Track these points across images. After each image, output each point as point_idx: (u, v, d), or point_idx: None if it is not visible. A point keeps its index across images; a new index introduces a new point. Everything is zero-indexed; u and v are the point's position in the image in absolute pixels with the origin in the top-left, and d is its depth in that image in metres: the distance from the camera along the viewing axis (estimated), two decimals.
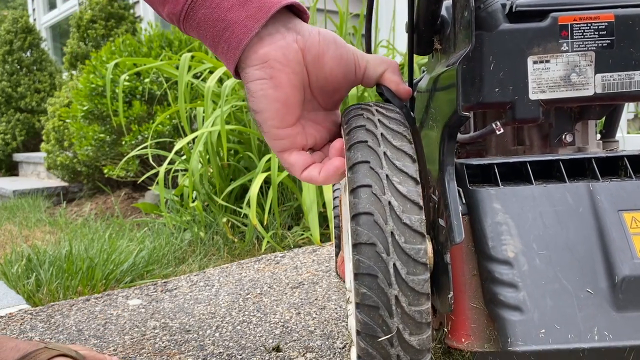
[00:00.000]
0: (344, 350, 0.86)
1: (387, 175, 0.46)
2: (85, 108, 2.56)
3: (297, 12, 0.53)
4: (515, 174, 0.60)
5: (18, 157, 4.62)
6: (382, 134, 0.49)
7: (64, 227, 2.34)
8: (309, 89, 0.54)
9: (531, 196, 0.56)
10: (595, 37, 0.57)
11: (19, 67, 4.65)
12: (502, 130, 0.57)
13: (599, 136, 0.77)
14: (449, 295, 0.51)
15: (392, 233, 0.45)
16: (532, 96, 0.57)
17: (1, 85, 4.55)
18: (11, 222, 2.57)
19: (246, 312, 1.05)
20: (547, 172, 0.60)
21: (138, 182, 2.58)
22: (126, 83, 2.41)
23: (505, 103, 0.57)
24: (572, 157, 0.60)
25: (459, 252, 0.55)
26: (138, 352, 0.90)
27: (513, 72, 0.56)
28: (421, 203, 0.46)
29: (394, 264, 0.45)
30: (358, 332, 0.46)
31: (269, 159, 1.69)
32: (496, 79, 0.56)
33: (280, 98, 0.51)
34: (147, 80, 2.46)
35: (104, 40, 3.60)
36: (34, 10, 6.10)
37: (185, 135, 1.98)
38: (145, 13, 4.00)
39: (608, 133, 0.77)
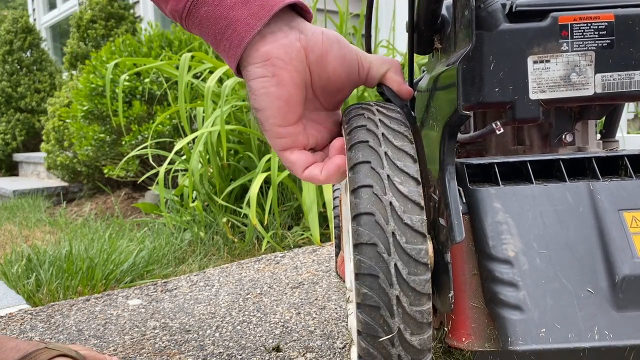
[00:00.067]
0: (344, 350, 0.86)
1: (388, 176, 0.46)
2: (85, 108, 2.56)
3: (301, 11, 0.52)
4: (515, 174, 0.60)
5: (18, 157, 4.62)
6: (383, 134, 0.49)
7: (64, 227, 2.34)
8: (311, 89, 0.54)
9: (531, 195, 0.56)
10: (595, 37, 0.57)
11: (19, 67, 4.65)
12: (502, 130, 0.57)
13: (599, 136, 0.77)
14: (450, 295, 0.51)
15: (393, 233, 0.45)
16: (532, 96, 0.57)
17: (1, 85, 4.55)
18: (11, 222, 2.57)
19: (246, 312, 1.05)
20: (547, 172, 0.60)
21: (138, 182, 2.58)
22: (126, 83, 2.41)
23: (505, 103, 0.57)
24: (572, 156, 0.60)
25: (460, 252, 0.55)
26: (138, 352, 0.90)
27: (513, 71, 0.56)
28: (422, 203, 0.46)
29: (395, 264, 0.45)
30: (359, 332, 0.46)
31: (269, 159, 1.69)
32: (496, 78, 0.56)
33: (282, 96, 0.51)
34: (147, 80, 2.46)
35: (104, 40, 3.60)
36: (34, 10, 6.10)
37: (185, 135, 1.98)
38: (145, 13, 4.00)
39: (608, 133, 0.77)
